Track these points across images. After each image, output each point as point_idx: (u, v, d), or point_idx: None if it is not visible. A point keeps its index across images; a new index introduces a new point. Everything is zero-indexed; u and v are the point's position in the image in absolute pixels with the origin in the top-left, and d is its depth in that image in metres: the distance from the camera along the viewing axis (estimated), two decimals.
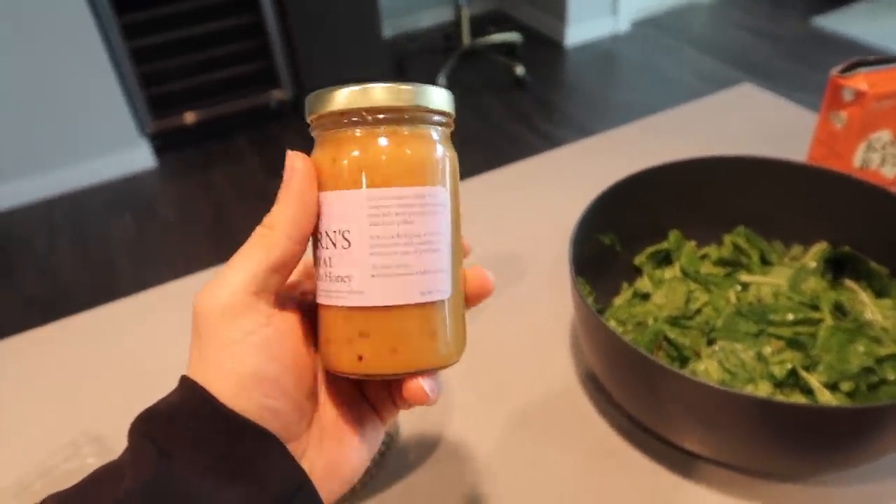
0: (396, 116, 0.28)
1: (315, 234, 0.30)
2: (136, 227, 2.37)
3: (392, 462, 0.58)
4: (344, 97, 0.28)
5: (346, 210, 0.28)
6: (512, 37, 3.11)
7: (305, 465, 0.30)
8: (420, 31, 3.50)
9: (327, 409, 0.32)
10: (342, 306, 0.29)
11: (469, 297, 0.31)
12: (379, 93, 0.28)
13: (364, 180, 0.28)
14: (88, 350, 0.73)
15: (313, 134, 0.30)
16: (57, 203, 2.52)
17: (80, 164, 2.55)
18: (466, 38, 3.01)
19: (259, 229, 0.29)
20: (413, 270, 0.28)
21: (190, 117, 2.76)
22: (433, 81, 2.89)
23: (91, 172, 2.58)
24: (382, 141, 0.28)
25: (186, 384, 0.28)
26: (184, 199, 2.47)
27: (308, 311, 0.31)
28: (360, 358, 0.29)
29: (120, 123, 2.55)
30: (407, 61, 3.14)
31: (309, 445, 0.30)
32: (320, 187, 0.29)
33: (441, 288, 0.29)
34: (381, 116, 0.28)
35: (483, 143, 2.56)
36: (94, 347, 0.73)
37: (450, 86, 2.93)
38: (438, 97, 0.29)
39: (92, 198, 2.53)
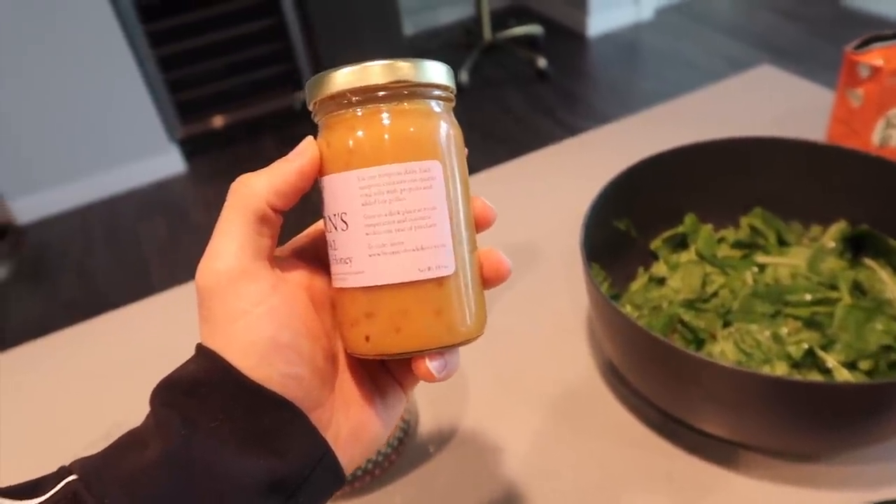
0: (374, 95, 0.28)
1: (324, 220, 0.30)
2: (168, 230, 2.42)
3: (410, 449, 0.59)
4: (324, 84, 0.29)
5: (341, 192, 0.29)
6: (533, 29, 3.10)
7: (332, 430, 0.30)
8: (441, 28, 3.50)
9: (350, 376, 0.32)
10: (347, 288, 0.29)
11: (484, 280, 0.31)
12: (347, 76, 0.28)
13: (353, 161, 0.28)
14: (121, 346, 0.75)
15: (319, 118, 0.31)
16: (91, 210, 2.59)
17: (113, 171, 2.62)
18: (487, 33, 3.01)
19: (230, 195, 0.29)
20: (409, 247, 0.28)
21: (218, 121, 2.82)
22: (456, 76, 2.88)
23: (123, 179, 2.64)
24: (366, 120, 0.28)
25: (205, 354, 0.28)
26: (214, 202, 2.52)
27: (317, 274, 0.32)
28: (367, 338, 0.29)
29: (150, 130, 2.60)
30: (429, 58, 3.14)
31: (334, 411, 0.31)
32: (322, 172, 0.30)
33: (441, 264, 0.28)
34: (355, 99, 0.28)
35: (507, 137, 2.56)
36: (126, 343, 0.76)
37: (472, 80, 2.93)
38: (413, 71, 0.29)
39: (125, 204, 2.59)
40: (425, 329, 0.29)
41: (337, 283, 0.30)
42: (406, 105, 0.29)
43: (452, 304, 0.29)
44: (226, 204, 0.29)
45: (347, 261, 0.29)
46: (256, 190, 0.29)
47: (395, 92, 0.29)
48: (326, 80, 0.29)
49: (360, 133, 0.28)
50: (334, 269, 0.30)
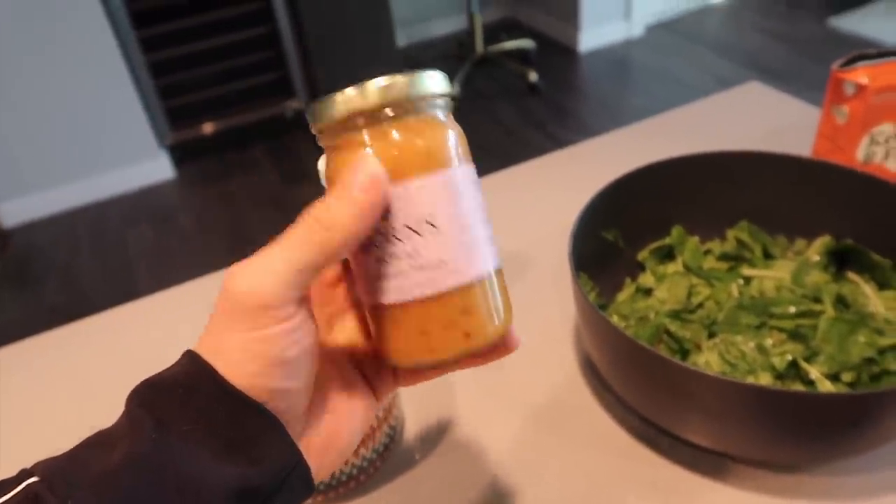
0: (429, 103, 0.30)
1: (373, 236, 0.29)
2: (155, 236, 2.40)
3: (395, 456, 0.59)
4: (413, 87, 0.30)
5: (421, 197, 0.29)
6: (525, 43, 3.13)
7: (304, 439, 0.30)
8: (434, 40, 3.52)
9: (322, 384, 0.32)
10: (435, 294, 0.29)
11: None
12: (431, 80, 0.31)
13: (431, 163, 0.29)
14: (104, 349, 0.75)
15: (326, 141, 0.31)
16: (78, 214, 2.57)
17: (101, 176, 2.61)
18: (480, 46, 3.03)
19: (313, 223, 0.27)
20: (487, 239, 0.31)
21: (208, 128, 2.81)
22: None
23: (112, 184, 2.63)
24: (428, 126, 0.30)
25: (192, 358, 0.28)
26: (202, 209, 2.51)
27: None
28: (468, 335, 0.30)
29: (139, 135, 2.59)
30: (421, 69, 3.16)
31: (309, 420, 0.31)
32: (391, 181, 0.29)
33: (496, 251, 0.32)
34: (438, 102, 0.31)
35: (498, 150, 2.57)
36: (110, 347, 0.75)
37: (464, 92, 2.95)
38: (431, 81, 0.31)
39: (113, 209, 2.58)
40: (509, 307, 0.32)
41: (423, 291, 0.29)
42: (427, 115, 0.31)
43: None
44: (303, 226, 0.27)
45: (441, 263, 0.29)
46: (345, 236, 0.27)
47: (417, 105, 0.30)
48: (414, 82, 0.30)
49: (422, 140, 0.29)
50: (405, 280, 0.29)
